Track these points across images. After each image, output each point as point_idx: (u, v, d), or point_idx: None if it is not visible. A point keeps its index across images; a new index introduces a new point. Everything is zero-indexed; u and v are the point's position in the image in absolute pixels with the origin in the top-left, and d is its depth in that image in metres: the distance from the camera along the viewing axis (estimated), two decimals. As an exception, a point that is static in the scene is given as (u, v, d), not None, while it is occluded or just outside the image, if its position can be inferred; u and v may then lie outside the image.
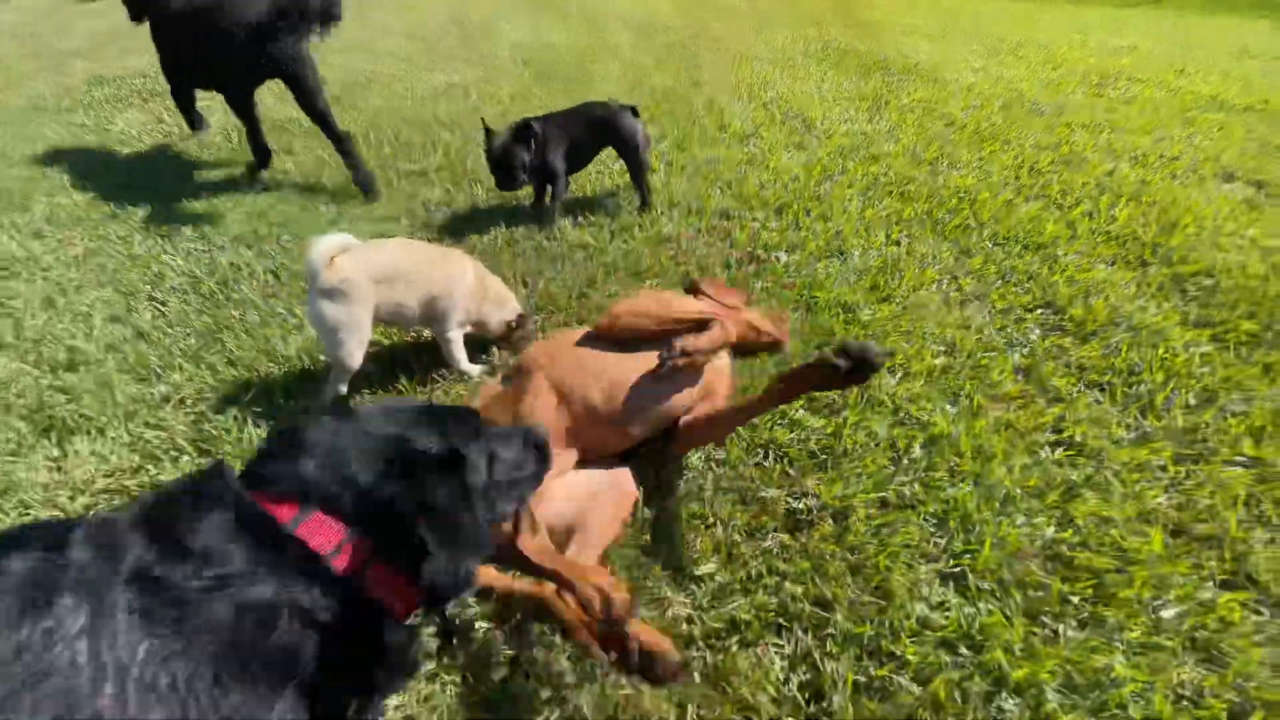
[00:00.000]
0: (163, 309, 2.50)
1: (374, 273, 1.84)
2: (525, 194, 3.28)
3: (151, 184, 3.56)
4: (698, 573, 1.44)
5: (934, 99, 4.85)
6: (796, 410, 1.86)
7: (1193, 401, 1.89)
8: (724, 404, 1.65)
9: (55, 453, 1.83)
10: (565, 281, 2.63)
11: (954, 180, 3.41)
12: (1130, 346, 2.10)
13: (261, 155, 3.60)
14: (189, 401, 2.01)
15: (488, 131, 2.93)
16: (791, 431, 1.81)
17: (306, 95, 3.23)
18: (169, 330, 2.35)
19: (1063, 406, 1.89)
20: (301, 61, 3.15)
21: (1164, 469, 1.69)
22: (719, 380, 1.68)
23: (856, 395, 1.92)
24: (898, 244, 2.84)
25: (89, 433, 1.90)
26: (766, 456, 1.74)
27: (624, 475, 1.55)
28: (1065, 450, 1.74)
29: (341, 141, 3.32)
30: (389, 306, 1.91)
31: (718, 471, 1.69)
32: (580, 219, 3.15)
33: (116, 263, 2.82)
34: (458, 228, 3.06)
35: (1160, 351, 2.07)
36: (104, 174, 3.70)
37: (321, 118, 3.31)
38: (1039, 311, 2.34)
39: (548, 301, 2.50)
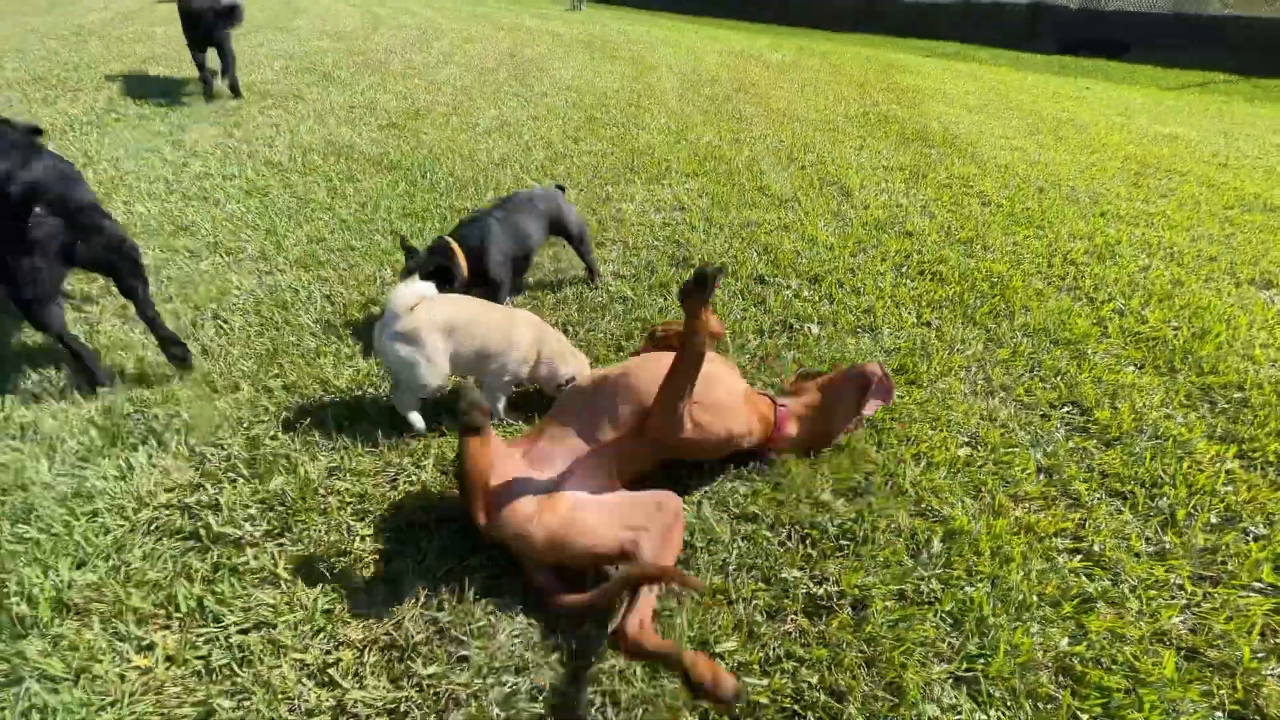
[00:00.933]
0: (225, 326, 2.64)
1: (441, 324, 1.99)
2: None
3: (219, 199, 3.77)
4: (717, 649, 1.50)
5: (970, 176, 4.96)
6: (823, 492, 1.92)
7: (1214, 520, 1.92)
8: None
9: (121, 463, 1.95)
10: (604, 333, 2.74)
11: (986, 264, 3.49)
12: (1154, 456, 2.14)
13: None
14: (245, 423, 2.13)
15: (408, 252, 2.61)
16: (816, 512, 1.87)
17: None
18: (230, 349, 2.49)
19: (1083, 513, 1.93)
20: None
21: (1181, 588, 1.72)
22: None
23: (881, 482, 1.98)
24: (928, 325, 2.92)
25: (152, 445, 2.02)
26: (789, 536, 1.80)
27: (667, 495, 1.64)
28: (1083, 560, 1.78)
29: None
30: (450, 352, 2.04)
31: (742, 546, 1.76)
32: (621, 270, 3.27)
33: (185, 276, 2.99)
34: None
35: (1185, 465, 2.11)
36: (176, 185, 3.93)
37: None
38: (1065, 410, 2.39)
39: (587, 349, 2.61)
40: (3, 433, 2.05)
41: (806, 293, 3.14)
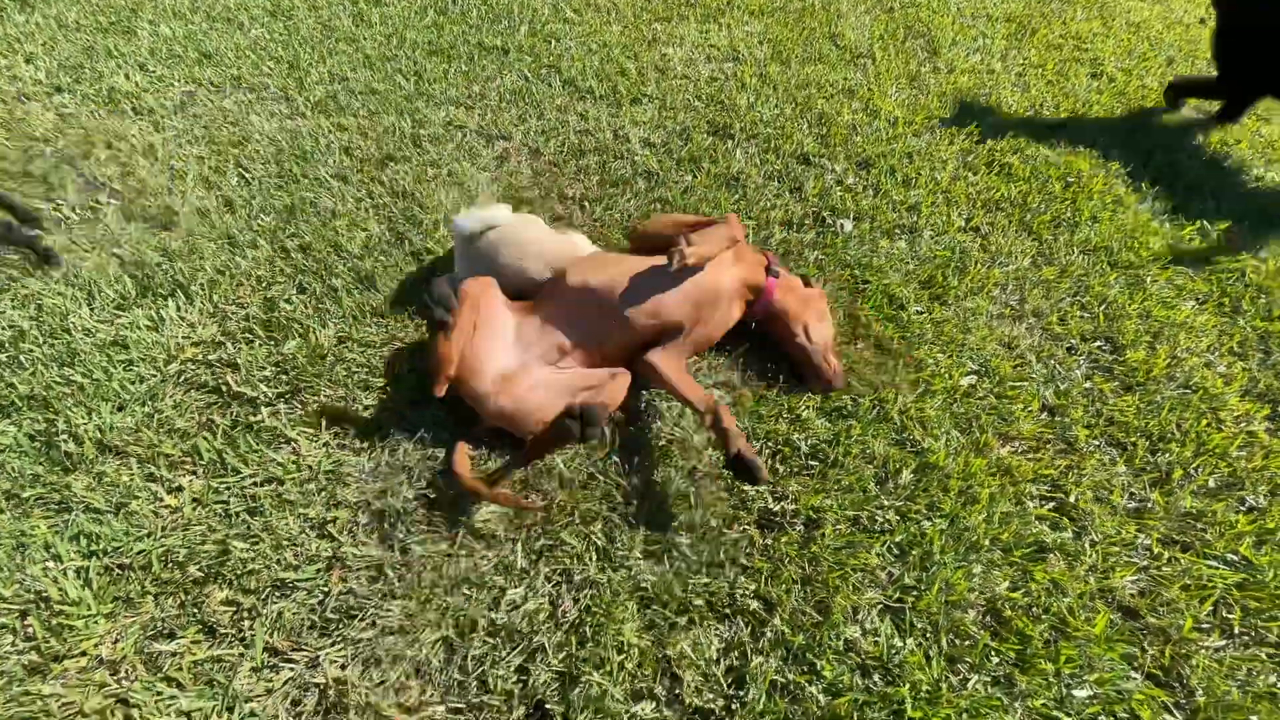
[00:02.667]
0: (247, 176, 2.66)
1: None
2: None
3: (243, 22, 3.58)
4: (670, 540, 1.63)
5: (1089, 36, 4.16)
6: (805, 409, 1.93)
7: (1211, 484, 1.85)
8: (717, 335, 1.94)
9: (153, 314, 2.11)
10: (621, 212, 2.63)
11: (1068, 158, 3.06)
12: (1173, 407, 2.02)
13: None
14: (264, 283, 2.24)
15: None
16: (793, 430, 1.89)
17: None
18: (251, 201, 2.53)
19: (1072, 459, 1.88)
20: None
21: (1148, 549, 1.71)
22: (718, 309, 1.88)
23: (868, 405, 1.96)
24: (975, 230, 2.66)
25: (180, 298, 2.16)
26: (760, 451, 1.85)
27: (622, 370, 1.82)
28: (1053, 509, 1.77)
29: None
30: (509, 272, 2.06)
31: (712, 455, 1.82)
32: (652, 137, 3.04)
33: (210, 116, 2.96)
34: (523, 113, 3.02)
35: (1203, 422, 1.98)
36: (200, 3, 3.72)
37: None
38: (1095, 344, 2.22)
39: (600, 230, 2.53)
40: (49, 275, 2.22)
41: (851, 179, 2.87)
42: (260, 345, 2.04)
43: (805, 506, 1.72)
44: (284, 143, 2.82)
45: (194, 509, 1.66)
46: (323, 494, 1.71)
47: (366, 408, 1.90)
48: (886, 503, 1.74)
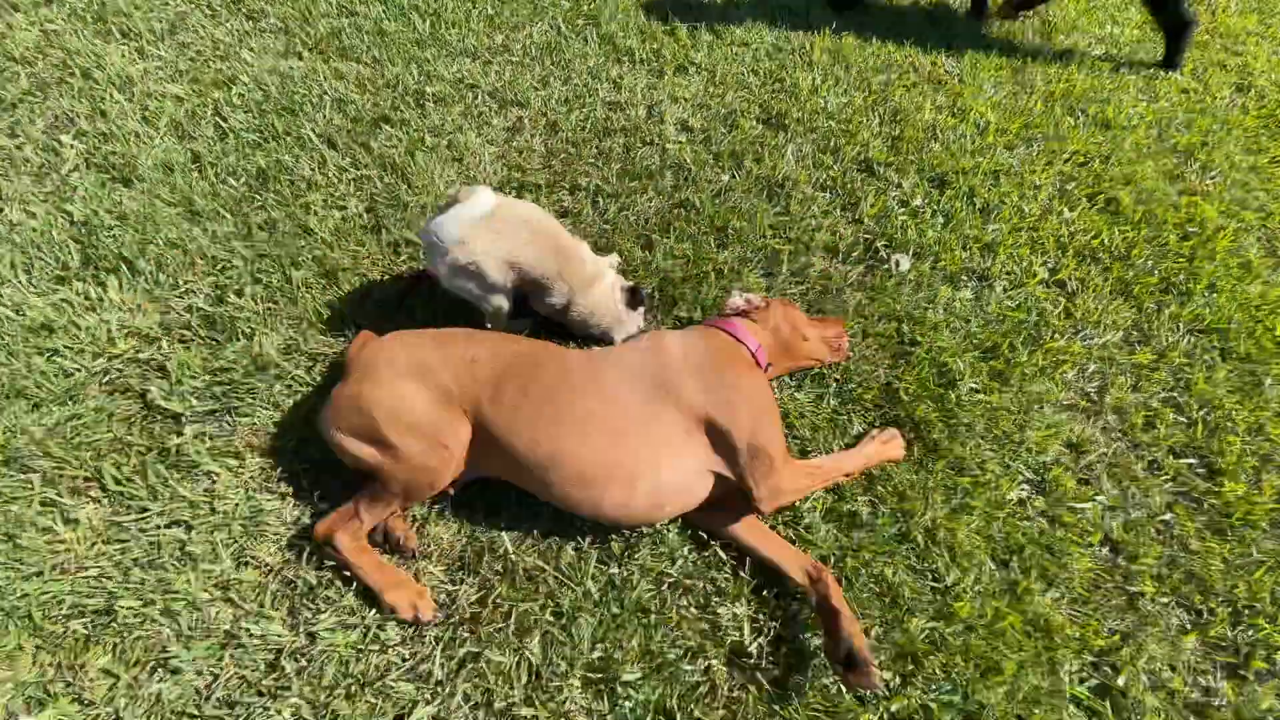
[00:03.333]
0: (226, 128, 2.35)
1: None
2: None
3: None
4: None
5: (1242, 35, 3.42)
6: (806, 516, 1.60)
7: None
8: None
9: (93, 291, 1.87)
10: (638, 215, 2.25)
11: (1191, 199, 2.50)
12: (1271, 569, 1.62)
13: None
14: (218, 264, 1.97)
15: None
16: (793, 536, 1.58)
17: None
18: (222, 160, 2.24)
19: (1129, 621, 1.53)
20: None
21: (1205, 756, 1.38)
22: None
23: (887, 519, 1.62)
24: (1061, 286, 2.20)
25: (124, 273, 1.91)
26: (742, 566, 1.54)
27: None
28: (1094, 687, 1.44)
29: None
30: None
31: (690, 559, 1.53)
32: (692, 120, 2.60)
33: (198, 47, 2.63)
34: (547, 74, 2.60)
35: (1309, 595, 1.59)
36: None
37: None
38: (1185, 464, 1.81)
39: (606, 236, 2.17)
40: (-9, 228, 2.00)
41: (919, 200, 2.41)
42: (197, 347, 1.79)
43: (790, 648, 1.42)
44: (273, 88, 2.49)
45: (90, 547, 1.47)
46: (233, 548, 1.49)
47: (300, 444, 1.65)
48: (885, 657, 1.43)
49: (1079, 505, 1.70)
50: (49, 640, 1.36)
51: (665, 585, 1.49)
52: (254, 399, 1.70)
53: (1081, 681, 1.44)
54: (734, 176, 2.44)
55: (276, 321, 1.85)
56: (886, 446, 1.70)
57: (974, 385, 1.90)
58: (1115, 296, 2.19)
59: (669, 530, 1.55)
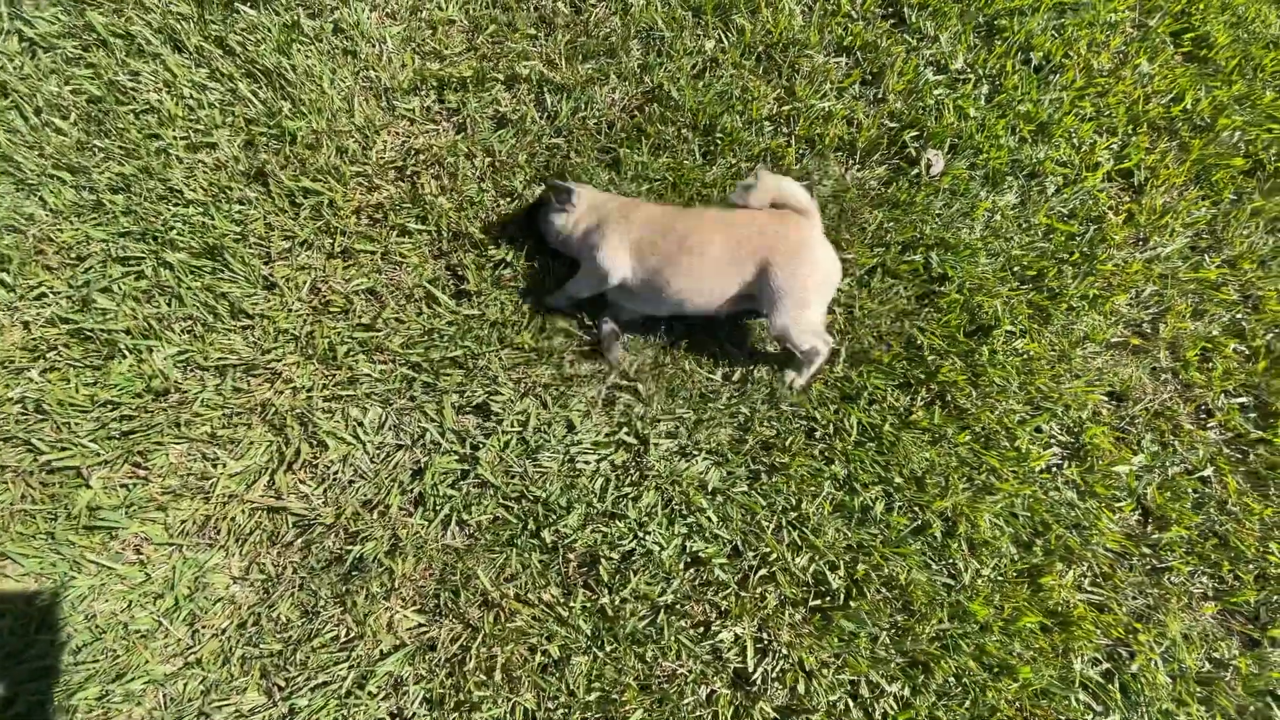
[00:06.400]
0: (26, 32, 1.72)
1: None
2: None
3: None
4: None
5: None
6: (813, 516, 1.44)
7: (1319, 643, 1.45)
8: None
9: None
10: (599, 114, 1.75)
11: (1311, 31, 1.95)
12: (1313, 524, 1.50)
13: None
14: (73, 251, 1.55)
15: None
16: (797, 551, 1.43)
17: None
18: (38, 89, 1.66)
19: (1150, 598, 1.45)
20: None
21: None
22: None
23: (899, 517, 1.46)
24: (1127, 178, 1.79)
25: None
26: (757, 569, 1.41)
27: None
28: (1104, 671, 1.40)
29: None
30: None
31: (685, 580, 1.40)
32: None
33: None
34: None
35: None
36: None
37: None
38: (1238, 404, 1.60)
39: (560, 150, 1.71)
40: None
41: (960, 61, 1.87)
42: (76, 372, 1.46)
43: (794, 667, 1.35)
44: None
45: (24, 638, 1.32)
46: (185, 616, 1.34)
47: (225, 500, 1.42)
48: (895, 666, 1.36)
49: (1112, 470, 1.53)
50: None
51: (660, 611, 1.38)
52: (160, 437, 1.43)
53: (1094, 665, 1.40)
54: (721, 42, 1.86)
55: (163, 328, 1.50)
56: None
57: (1011, 329, 1.62)
58: (1188, 185, 1.79)
59: (662, 549, 1.40)
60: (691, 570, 1.41)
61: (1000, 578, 1.43)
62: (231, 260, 1.55)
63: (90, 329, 1.47)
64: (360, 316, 1.56)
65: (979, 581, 1.41)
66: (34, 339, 1.47)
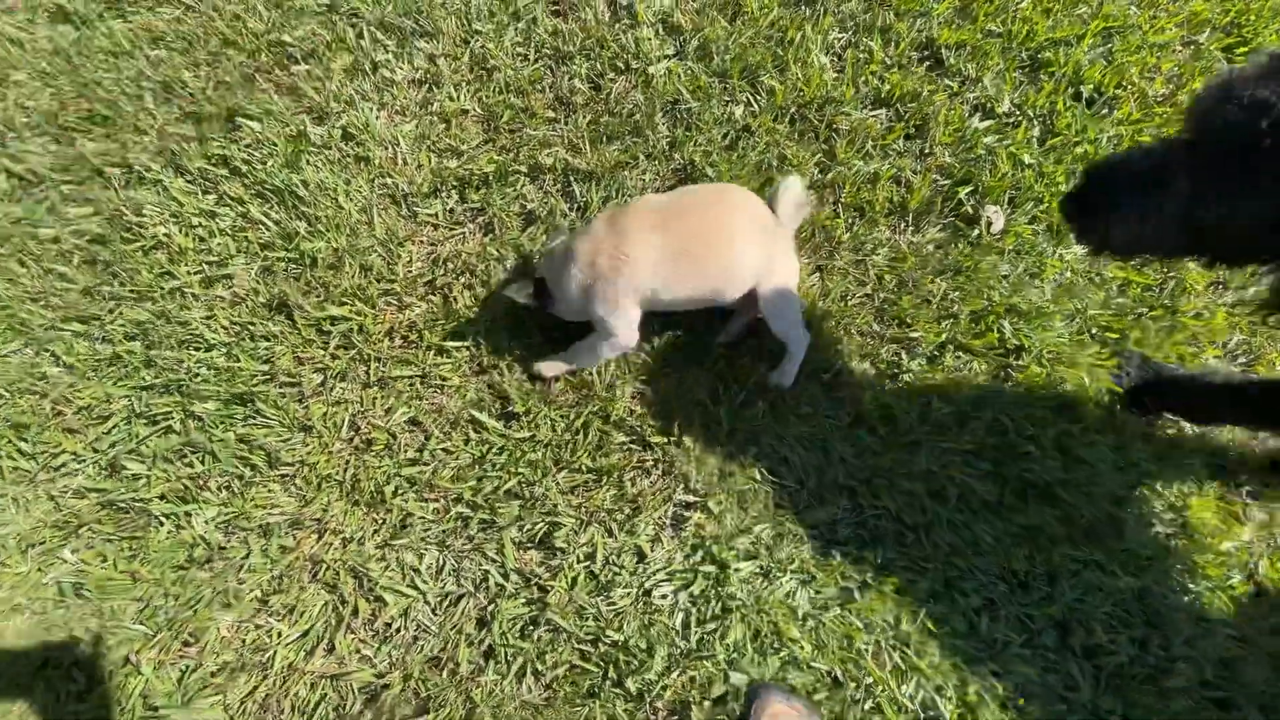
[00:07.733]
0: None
1: None
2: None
3: None
4: None
5: None
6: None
7: None
8: None
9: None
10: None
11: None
12: None
13: None
14: (95, 416, 1.45)
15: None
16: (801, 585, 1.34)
17: None
18: (35, 212, 1.56)
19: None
20: None
21: None
22: None
23: (1006, 633, 1.36)
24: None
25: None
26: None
27: None
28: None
29: None
30: None
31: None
32: (678, 19, 1.80)
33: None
34: None
35: None
36: None
37: None
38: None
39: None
40: None
41: (1006, 103, 1.75)
42: (115, 548, 1.37)
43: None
44: (62, 78, 1.67)
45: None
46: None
47: (285, 674, 1.33)
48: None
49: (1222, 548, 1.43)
50: None
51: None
52: (208, 606, 1.33)
53: None
54: (751, 105, 1.74)
55: (199, 487, 1.40)
56: None
57: (1100, 408, 1.51)
58: (1266, 220, 1.67)
59: (655, 654, 1.30)
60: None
61: (1119, 681, 1.34)
62: (263, 405, 1.45)
63: (123, 499, 1.38)
64: (405, 451, 1.46)
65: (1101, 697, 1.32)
66: (63, 515, 1.38)
